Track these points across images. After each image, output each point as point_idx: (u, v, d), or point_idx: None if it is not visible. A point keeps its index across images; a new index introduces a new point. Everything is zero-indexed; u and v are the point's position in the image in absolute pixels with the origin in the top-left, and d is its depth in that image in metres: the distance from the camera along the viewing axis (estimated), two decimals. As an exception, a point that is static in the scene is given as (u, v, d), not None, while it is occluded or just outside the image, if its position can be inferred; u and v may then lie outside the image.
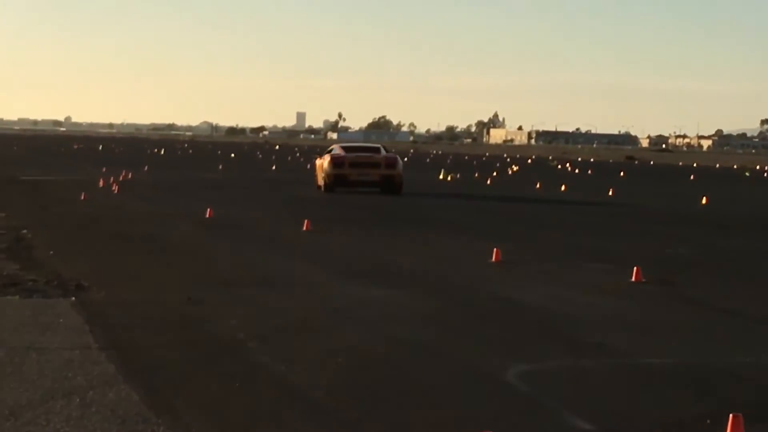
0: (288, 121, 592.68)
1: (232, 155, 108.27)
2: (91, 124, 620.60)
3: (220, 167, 70.70)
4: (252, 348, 11.94)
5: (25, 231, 23.32)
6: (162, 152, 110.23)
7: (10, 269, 17.17)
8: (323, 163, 42.02)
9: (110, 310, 13.92)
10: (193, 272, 17.95)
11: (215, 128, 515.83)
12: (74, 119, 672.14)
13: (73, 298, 14.61)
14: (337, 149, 42.83)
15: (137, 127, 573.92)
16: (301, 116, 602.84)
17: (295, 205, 35.71)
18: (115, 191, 38.74)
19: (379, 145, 46.21)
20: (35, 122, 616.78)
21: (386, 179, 40.92)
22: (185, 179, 52.35)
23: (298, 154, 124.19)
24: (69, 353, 11.16)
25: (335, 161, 41.22)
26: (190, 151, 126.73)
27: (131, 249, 21.19)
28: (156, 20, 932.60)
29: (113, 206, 32.11)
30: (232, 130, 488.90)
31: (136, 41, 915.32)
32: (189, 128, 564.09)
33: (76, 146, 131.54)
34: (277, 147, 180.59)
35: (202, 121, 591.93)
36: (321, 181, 42.08)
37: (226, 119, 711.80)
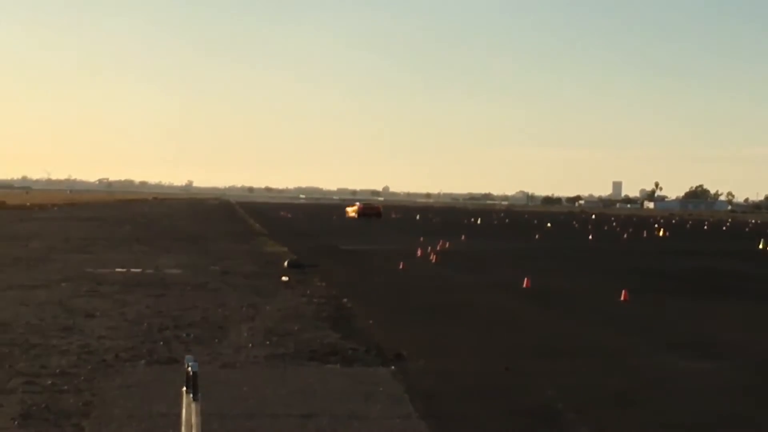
0: (604, 191, 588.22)
1: (548, 225, 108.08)
2: (408, 194, 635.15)
3: (537, 237, 70.67)
4: (570, 419, 11.72)
5: (345, 300, 23.90)
6: (478, 221, 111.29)
7: (331, 338, 17.57)
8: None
9: (429, 379, 13.99)
10: (511, 342, 17.86)
11: (531, 197, 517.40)
12: (392, 189, 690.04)
13: (393, 367, 14.78)
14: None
15: (454, 197, 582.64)
16: (617, 185, 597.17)
17: (611, 274, 35.21)
18: (433, 261, 39.27)
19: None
20: (354, 192, 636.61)
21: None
22: (502, 248, 52.53)
23: (614, 224, 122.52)
24: (389, 422, 11.25)
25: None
26: (507, 220, 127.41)
27: (448, 318, 21.32)
28: (468, 97, 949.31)
29: (431, 276, 32.51)
30: (548, 200, 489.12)
31: (450, 115, 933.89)
32: (505, 197, 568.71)
33: (393, 215, 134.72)
34: (594, 216, 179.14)
35: (518, 190, 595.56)
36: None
37: (541, 189, 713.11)
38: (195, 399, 7.82)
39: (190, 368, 7.85)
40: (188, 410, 7.91)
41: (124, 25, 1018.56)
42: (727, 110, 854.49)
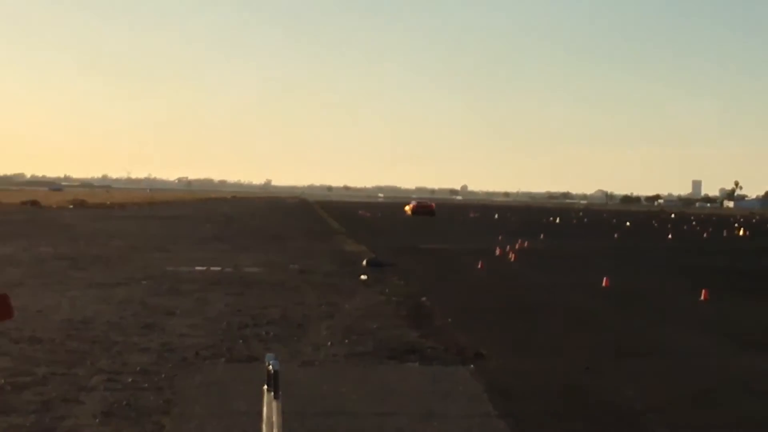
0: (683, 190, 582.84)
1: (627, 224, 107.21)
2: (487, 193, 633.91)
3: (616, 236, 70.11)
4: (651, 419, 11.58)
5: (424, 299, 23.86)
6: (557, 221, 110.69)
7: (410, 336, 17.55)
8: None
9: (508, 378, 13.91)
10: (590, 341, 17.71)
11: (610, 197, 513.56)
12: (470, 188, 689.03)
13: (472, 366, 14.73)
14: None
15: (532, 196, 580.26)
16: (696, 184, 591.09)
17: (690, 274, 34.82)
18: (512, 259, 39.12)
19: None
20: (432, 191, 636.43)
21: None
22: (581, 248, 52.19)
23: (693, 223, 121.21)
24: (468, 421, 11.20)
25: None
26: (585, 219, 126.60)
27: (527, 317, 21.20)
28: (547, 96, 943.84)
29: (510, 275, 32.37)
30: (627, 199, 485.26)
31: (530, 114, 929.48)
32: (583, 197, 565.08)
33: (472, 214, 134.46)
34: (673, 215, 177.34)
35: (596, 189, 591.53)
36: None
37: (620, 188, 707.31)
38: (276, 397, 7.82)
39: (271, 366, 7.86)
40: (269, 408, 7.92)
41: (207, 24, 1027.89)
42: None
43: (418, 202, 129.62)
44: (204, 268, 30.63)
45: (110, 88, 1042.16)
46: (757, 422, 11.69)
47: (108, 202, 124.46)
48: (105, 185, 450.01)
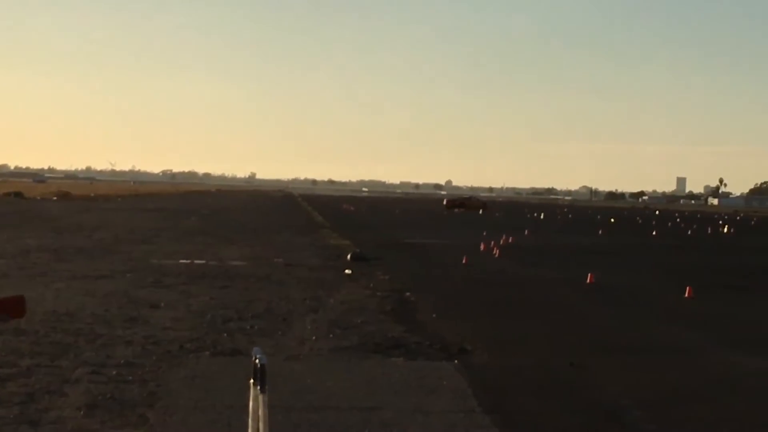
0: (668, 186, 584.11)
1: (612, 220, 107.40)
2: (472, 188, 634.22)
3: (600, 232, 70.22)
4: (637, 416, 11.60)
5: (408, 294, 23.86)
6: (542, 216, 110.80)
7: (395, 331, 17.54)
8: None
9: (493, 374, 13.93)
10: (575, 337, 17.73)
11: (594, 193, 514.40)
12: (455, 183, 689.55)
13: (456, 361, 14.73)
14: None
15: (517, 191, 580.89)
16: (681, 181, 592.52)
17: (675, 271, 34.91)
18: (496, 255, 39.15)
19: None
20: (417, 185, 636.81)
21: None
22: (566, 244, 52.25)
23: (678, 220, 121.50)
24: (453, 416, 11.20)
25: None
26: (570, 215, 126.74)
27: (512, 313, 21.22)
28: (533, 91, 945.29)
29: (494, 270, 32.38)
30: (612, 195, 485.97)
31: (515, 110, 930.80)
32: (568, 192, 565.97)
33: (456, 210, 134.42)
34: (657, 212, 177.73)
35: (581, 185, 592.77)
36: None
37: (605, 184, 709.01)
38: (262, 391, 7.81)
39: (257, 360, 7.84)
40: (255, 402, 7.91)
41: (191, 17, 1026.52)
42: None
43: (449, 198, 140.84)
44: (188, 261, 30.58)
45: (95, 80, 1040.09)
46: (738, 421, 11.71)
47: (92, 194, 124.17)
48: (89, 177, 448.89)
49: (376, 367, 14.03)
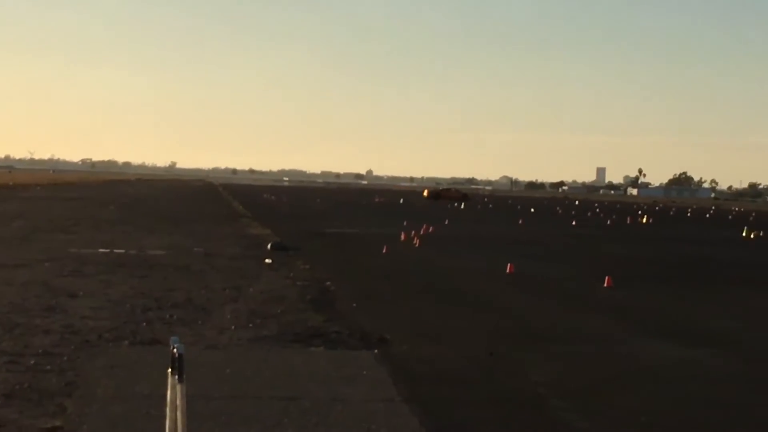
0: (588, 177, 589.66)
1: (532, 210, 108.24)
2: (392, 178, 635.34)
3: (520, 222, 70.76)
4: (555, 405, 11.74)
5: (328, 283, 23.89)
6: (462, 207, 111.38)
7: (315, 321, 17.57)
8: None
9: (412, 363, 14.00)
10: (494, 327, 17.88)
11: (515, 183, 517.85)
12: (375, 173, 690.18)
13: (376, 351, 14.79)
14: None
15: (437, 181, 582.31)
16: (601, 171, 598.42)
17: (594, 261, 35.32)
18: (417, 245, 39.29)
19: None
20: (338, 175, 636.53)
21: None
22: (486, 234, 52.58)
23: (598, 210, 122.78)
24: (373, 405, 11.26)
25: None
26: (490, 205, 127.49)
27: (432, 303, 21.33)
28: (453, 81, 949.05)
29: (414, 260, 32.51)
30: (532, 185, 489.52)
31: (435, 99, 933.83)
32: (488, 182, 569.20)
33: (377, 199, 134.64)
34: (577, 202, 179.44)
35: (501, 175, 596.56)
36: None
37: (525, 174, 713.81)
38: (180, 381, 7.79)
39: (175, 350, 7.83)
40: (173, 391, 7.90)
41: (109, 5, 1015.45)
42: (711, 98, 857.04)
43: (431, 190, 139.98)
44: (108, 250, 30.33)
45: (12, 66, 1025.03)
46: (657, 409, 11.91)
47: (10, 183, 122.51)
48: (8, 166, 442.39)
49: (296, 357, 14.04)
